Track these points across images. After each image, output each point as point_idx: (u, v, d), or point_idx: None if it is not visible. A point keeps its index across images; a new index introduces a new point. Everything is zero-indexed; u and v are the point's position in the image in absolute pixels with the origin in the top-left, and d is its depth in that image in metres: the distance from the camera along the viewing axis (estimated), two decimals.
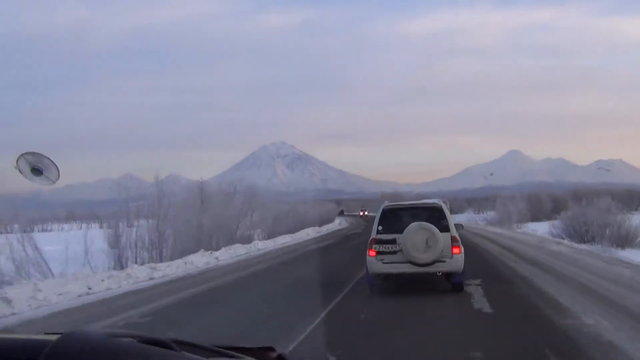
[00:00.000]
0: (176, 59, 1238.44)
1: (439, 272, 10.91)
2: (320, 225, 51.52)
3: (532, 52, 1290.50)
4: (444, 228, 10.82)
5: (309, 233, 40.59)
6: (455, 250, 10.80)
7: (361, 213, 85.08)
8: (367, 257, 11.06)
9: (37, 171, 3.87)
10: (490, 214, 77.00)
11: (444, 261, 10.72)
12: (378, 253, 10.93)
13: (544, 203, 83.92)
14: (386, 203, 12.07)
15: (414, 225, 10.62)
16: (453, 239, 10.86)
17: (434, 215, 11.12)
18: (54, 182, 4.08)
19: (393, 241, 10.85)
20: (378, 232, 11.10)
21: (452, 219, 11.41)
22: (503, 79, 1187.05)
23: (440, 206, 11.42)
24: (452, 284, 11.09)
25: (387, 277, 11.34)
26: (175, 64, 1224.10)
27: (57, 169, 4.17)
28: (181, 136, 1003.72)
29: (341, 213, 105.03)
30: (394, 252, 10.83)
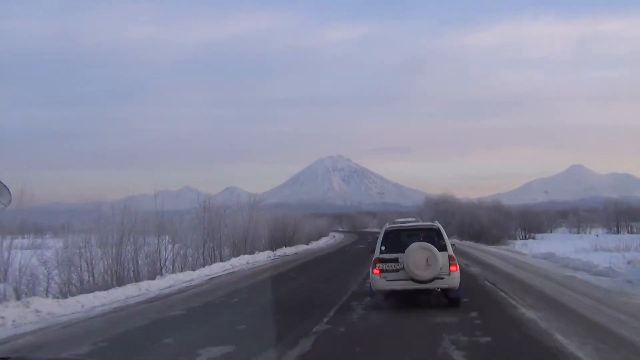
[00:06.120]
0: (237, 73, 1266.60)
1: (438, 289, 11.96)
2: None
3: (596, 63, 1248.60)
4: (442, 247, 11.91)
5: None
6: (453, 268, 11.85)
7: None
8: (371, 274, 12.16)
9: None
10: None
11: (443, 278, 11.76)
12: (382, 271, 11.96)
13: None
14: (387, 225, 13.26)
15: (415, 245, 11.72)
16: (450, 257, 11.91)
17: (433, 236, 12.24)
18: (5, 206, 3.94)
19: (395, 260, 11.87)
20: (381, 251, 12.12)
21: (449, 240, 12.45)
22: (566, 91, 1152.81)
23: (438, 227, 12.51)
24: (449, 299, 12.17)
25: (390, 294, 12.31)
26: (236, 77, 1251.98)
27: (9, 192, 3.92)
28: (240, 149, 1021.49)
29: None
30: (397, 270, 11.85)
